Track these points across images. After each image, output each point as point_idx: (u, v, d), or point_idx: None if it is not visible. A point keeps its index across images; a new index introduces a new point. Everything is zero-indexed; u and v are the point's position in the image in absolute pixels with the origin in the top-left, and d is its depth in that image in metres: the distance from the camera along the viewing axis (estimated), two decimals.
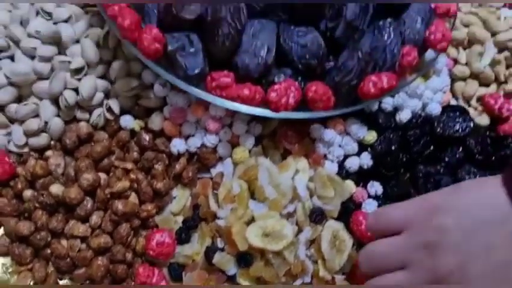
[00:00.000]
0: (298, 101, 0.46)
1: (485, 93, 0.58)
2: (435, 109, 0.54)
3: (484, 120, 0.57)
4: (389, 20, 0.50)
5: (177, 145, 0.51)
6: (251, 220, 0.47)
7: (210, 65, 0.47)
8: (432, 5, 0.53)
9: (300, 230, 0.49)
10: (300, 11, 0.47)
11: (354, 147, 0.52)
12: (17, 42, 0.52)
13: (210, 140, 0.51)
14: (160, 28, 0.45)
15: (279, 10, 0.48)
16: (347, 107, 0.48)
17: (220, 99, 0.46)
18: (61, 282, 0.49)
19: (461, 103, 0.58)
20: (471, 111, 0.57)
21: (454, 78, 0.58)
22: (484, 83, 0.58)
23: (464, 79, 0.58)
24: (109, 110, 0.52)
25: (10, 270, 0.49)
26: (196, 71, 0.45)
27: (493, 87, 0.59)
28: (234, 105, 0.46)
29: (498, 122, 0.57)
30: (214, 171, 0.52)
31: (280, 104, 0.45)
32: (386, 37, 0.49)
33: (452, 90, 0.58)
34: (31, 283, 0.48)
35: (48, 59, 0.51)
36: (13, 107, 0.51)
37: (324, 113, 0.47)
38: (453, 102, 0.58)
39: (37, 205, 0.48)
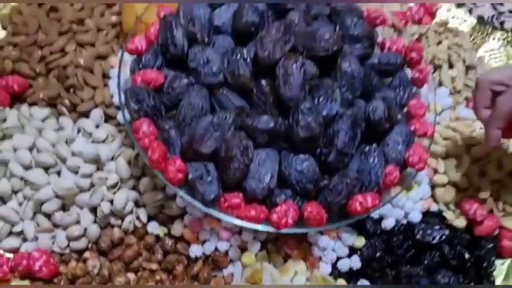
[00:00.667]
0: (296, 220, 0.55)
1: (462, 198, 0.66)
2: (415, 217, 0.63)
3: (461, 223, 0.65)
4: (374, 146, 0.59)
5: (195, 250, 0.60)
6: None
7: (224, 187, 0.56)
8: (412, 128, 0.63)
9: None
10: (298, 141, 0.57)
11: (345, 251, 0.61)
12: (63, 160, 0.62)
13: (223, 246, 0.60)
14: (182, 157, 0.56)
15: (282, 141, 0.57)
16: (337, 222, 0.58)
17: (231, 218, 0.55)
18: None
19: (441, 207, 0.66)
20: (449, 214, 0.66)
21: (434, 185, 0.67)
22: (461, 190, 0.67)
23: (443, 186, 0.67)
24: (138, 217, 0.62)
25: None
26: (212, 197, 0.54)
27: (469, 193, 0.67)
28: (243, 223, 0.55)
29: (474, 224, 0.66)
30: (226, 271, 0.61)
31: (280, 224, 0.54)
32: (371, 161, 0.58)
33: (433, 196, 0.67)
34: None
35: (89, 176, 0.61)
36: (58, 215, 0.61)
37: (317, 229, 0.56)
38: (434, 206, 0.66)
39: None
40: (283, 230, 0.55)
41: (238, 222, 0.55)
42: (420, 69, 0.66)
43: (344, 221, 0.58)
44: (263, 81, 0.58)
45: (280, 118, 0.57)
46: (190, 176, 0.55)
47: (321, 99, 0.58)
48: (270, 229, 0.55)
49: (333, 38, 0.60)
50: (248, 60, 0.58)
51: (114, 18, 0.75)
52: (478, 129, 0.70)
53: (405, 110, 0.65)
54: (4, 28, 0.76)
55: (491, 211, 0.67)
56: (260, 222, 0.55)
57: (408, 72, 0.67)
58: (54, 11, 0.75)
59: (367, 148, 0.59)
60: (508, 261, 0.66)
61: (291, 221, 0.55)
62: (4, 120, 0.67)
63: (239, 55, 0.58)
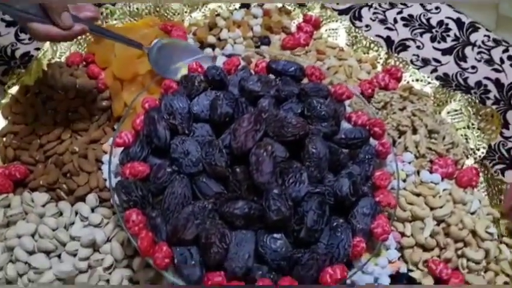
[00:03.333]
0: None
1: (429, 258, 0.72)
2: (384, 281, 0.69)
3: (428, 280, 0.71)
4: (341, 221, 0.66)
5: None
6: None
7: (206, 267, 0.63)
8: (377, 199, 0.69)
9: None
10: (271, 223, 0.63)
11: None
12: (63, 244, 0.69)
13: None
14: (168, 242, 0.62)
15: (257, 222, 0.64)
16: None
17: None
18: None
19: (410, 267, 0.72)
20: (418, 274, 0.72)
21: (402, 247, 0.73)
22: (428, 249, 0.73)
23: (411, 247, 0.73)
24: None
25: None
26: (196, 278, 0.61)
27: (436, 251, 0.73)
28: None
29: (441, 282, 0.72)
30: None
31: None
32: (339, 235, 0.65)
33: (402, 256, 0.73)
34: None
35: (86, 259, 0.68)
36: None
37: None
38: (403, 266, 0.72)
39: None
40: None
41: None
42: (382, 143, 0.73)
43: None
44: (237, 169, 0.65)
45: (254, 203, 0.63)
46: (175, 261, 0.61)
47: (290, 181, 0.64)
48: None
49: (300, 123, 0.67)
50: (223, 151, 0.65)
51: (104, 103, 0.83)
52: (441, 191, 0.76)
53: (371, 181, 0.72)
54: (5, 118, 0.83)
55: (456, 268, 0.73)
56: None
57: (373, 143, 0.74)
58: (50, 99, 0.83)
59: (335, 223, 0.65)
60: None
61: None
62: (8, 205, 0.73)
63: (215, 147, 0.65)
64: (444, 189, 0.76)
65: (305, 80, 0.79)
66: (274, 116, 0.68)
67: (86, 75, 0.86)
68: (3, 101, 0.85)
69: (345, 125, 0.76)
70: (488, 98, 0.91)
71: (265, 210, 0.62)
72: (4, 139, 0.80)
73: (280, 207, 0.62)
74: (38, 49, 0.93)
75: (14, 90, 0.87)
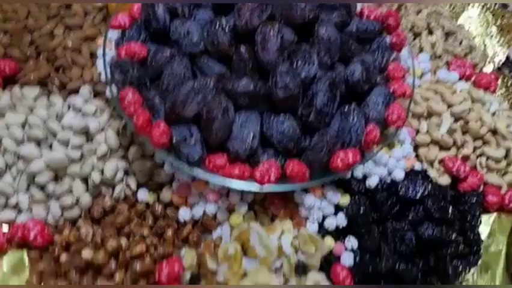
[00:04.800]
0: (278, 177, 0.57)
1: (445, 156, 0.68)
2: (399, 175, 0.64)
3: (445, 180, 0.67)
4: (353, 105, 0.61)
5: (183, 214, 0.62)
6: (244, 275, 0.57)
7: (208, 148, 0.58)
8: (391, 89, 0.64)
9: (286, 282, 0.59)
10: (278, 102, 0.58)
11: (331, 209, 0.63)
12: (54, 134, 0.64)
13: (210, 209, 0.62)
14: (167, 122, 0.57)
15: (262, 102, 0.59)
16: (320, 179, 0.59)
17: (216, 178, 0.57)
18: None
19: (425, 166, 0.68)
20: (434, 172, 0.67)
21: (417, 145, 0.69)
22: (444, 148, 0.68)
23: (426, 145, 0.69)
24: (128, 185, 0.64)
25: None
26: (196, 158, 0.56)
27: (452, 151, 0.68)
28: (228, 182, 0.57)
29: (458, 181, 0.67)
30: (215, 234, 0.62)
31: (263, 181, 0.56)
32: (350, 120, 0.60)
33: (416, 155, 0.69)
34: None
35: (79, 147, 0.63)
36: (51, 187, 0.63)
37: (300, 185, 0.58)
38: (418, 165, 0.68)
39: (71, 267, 0.59)
40: (267, 188, 0.57)
41: (223, 181, 0.57)
42: (397, 34, 0.68)
43: (327, 177, 0.59)
44: (242, 48, 0.60)
45: (260, 81, 0.58)
46: (174, 140, 0.57)
47: (299, 62, 0.60)
48: (254, 188, 0.57)
49: (309, 6, 0.62)
50: (227, 29, 0.60)
51: (100, 3, 0.78)
52: (458, 90, 0.71)
53: (384, 74, 0.67)
54: None
55: (474, 168, 0.68)
56: (244, 180, 0.57)
57: (387, 39, 0.69)
58: None
59: (346, 108, 0.61)
60: (493, 216, 0.68)
61: (273, 178, 0.56)
62: None
63: (218, 25, 0.60)
64: (461, 90, 0.71)
65: None
66: None
67: None
68: None
69: (356, 20, 0.71)
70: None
71: (272, 87, 0.58)
72: None
73: (288, 83, 0.57)
74: None
75: None
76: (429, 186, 0.63)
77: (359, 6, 0.72)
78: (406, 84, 0.65)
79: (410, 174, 0.65)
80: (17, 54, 0.72)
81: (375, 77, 0.64)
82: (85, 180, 0.63)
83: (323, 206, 0.63)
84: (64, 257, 0.60)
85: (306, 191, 0.63)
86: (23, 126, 0.65)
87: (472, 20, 0.82)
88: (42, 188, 0.63)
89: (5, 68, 0.71)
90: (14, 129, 0.64)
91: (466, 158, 0.67)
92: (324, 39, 0.62)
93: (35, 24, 0.74)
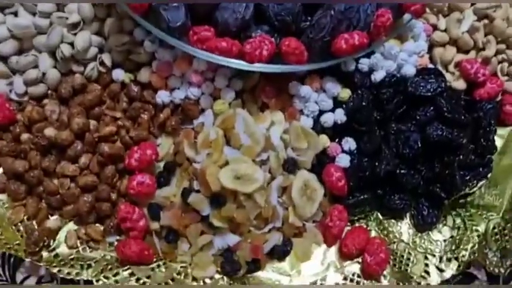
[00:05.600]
0: (271, 53, 0.49)
1: (462, 58, 0.60)
2: (409, 70, 0.56)
3: (460, 84, 0.59)
4: None
5: (162, 96, 0.55)
6: (225, 164, 0.50)
7: (193, 20, 0.50)
8: None
9: (272, 178, 0.52)
10: None
11: (329, 103, 0.55)
12: None
13: (193, 92, 0.54)
14: None
15: None
16: (320, 62, 0.51)
17: (201, 52, 0.49)
18: (51, 218, 0.53)
19: (440, 68, 0.60)
20: (448, 76, 0.59)
21: (433, 44, 0.61)
22: (463, 50, 0.60)
23: (443, 45, 0.60)
24: (102, 63, 0.56)
25: (6, 205, 0.53)
26: (178, 24, 0.48)
27: (471, 54, 0.61)
28: (213, 57, 0.49)
29: (474, 87, 0.59)
30: (196, 123, 0.55)
31: (254, 56, 0.48)
32: None
33: (431, 56, 0.61)
34: (24, 217, 0.52)
35: (47, 15, 0.55)
36: (15, 58, 0.55)
37: (297, 67, 0.50)
38: (431, 65, 0.60)
39: (32, 146, 0.52)
40: (257, 66, 0.49)
41: (207, 56, 0.49)
42: None
43: (328, 61, 0.52)
44: None
45: None
46: (153, 2, 0.49)
47: None
48: (244, 65, 0.50)
49: None
50: None
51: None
52: None
53: None
54: None
55: (494, 73, 0.60)
56: (232, 56, 0.49)
57: None
58: None
59: None
60: (509, 129, 0.61)
61: (266, 53, 0.49)
62: None
63: None
64: None
65: None
66: None
67: None
68: None
69: None
70: None
71: None
72: None
73: None
74: None
75: None
76: (443, 85, 0.55)
77: None
78: None
79: (422, 72, 0.57)
80: None
81: None
82: (54, 54, 0.56)
83: (320, 99, 0.55)
84: (25, 136, 0.54)
85: (302, 82, 0.55)
86: None
87: None
88: (5, 59, 0.56)
89: None
90: None
91: (486, 62, 0.59)
92: None
93: None
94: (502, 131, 0.61)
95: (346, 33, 0.51)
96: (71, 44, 0.55)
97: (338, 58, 0.52)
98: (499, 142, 0.59)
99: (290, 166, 0.53)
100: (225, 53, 0.49)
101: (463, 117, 0.54)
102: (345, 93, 0.55)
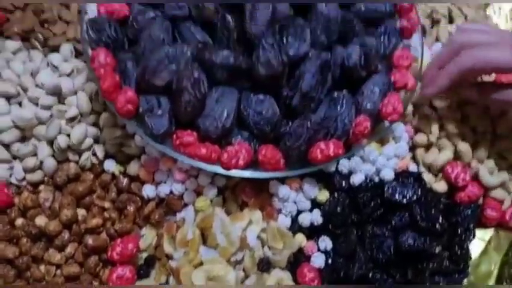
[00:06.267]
0: (248, 162, 0.52)
1: (445, 161, 0.61)
2: (387, 174, 0.58)
3: (441, 187, 0.60)
4: (343, 92, 0.55)
5: (147, 191, 0.58)
6: (200, 264, 0.52)
7: (178, 124, 0.53)
8: (392, 79, 0.58)
9: (246, 276, 0.54)
10: (259, 79, 0.53)
11: (307, 204, 0.57)
12: (25, 91, 0.61)
13: (177, 188, 0.57)
14: (138, 90, 0.53)
15: (243, 79, 0.54)
16: (296, 170, 0.54)
17: (182, 156, 0.52)
18: None
19: (422, 169, 0.61)
20: (430, 177, 0.60)
21: (415, 146, 0.62)
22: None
23: (425, 147, 0.62)
24: (95, 154, 0.60)
25: None
26: (161, 131, 0.52)
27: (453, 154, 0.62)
28: (194, 162, 0.52)
29: (456, 190, 0.60)
30: (179, 216, 0.58)
31: (230, 164, 0.51)
32: (338, 108, 0.54)
33: (413, 157, 0.62)
34: None
35: (48, 107, 0.59)
36: (16, 145, 0.59)
37: (272, 174, 0.53)
38: (413, 167, 0.61)
39: (23, 233, 0.56)
40: (234, 173, 0.52)
41: (188, 160, 0.52)
42: (409, 17, 0.61)
43: (304, 168, 0.54)
44: (228, 15, 0.54)
45: (242, 55, 0.53)
46: (140, 109, 0.52)
47: (289, 38, 0.54)
48: (221, 170, 0.52)
49: None
50: None
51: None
52: None
53: (388, 61, 0.60)
54: None
55: (476, 177, 0.61)
56: (211, 162, 0.52)
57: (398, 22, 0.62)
58: None
59: (336, 94, 0.55)
60: (490, 232, 0.61)
61: (242, 162, 0.51)
62: None
63: None
64: None
65: None
66: None
67: None
68: None
69: None
70: None
71: (254, 62, 0.52)
72: None
73: (271, 59, 0.51)
74: None
75: None
76: (420, 191, 0.56)
77: None
78: (410, 75, 0.58)
79: (401, 175, 0.58)
80: (6, 4, 0.69)
81: (375, 63, 0.57)
82: (52, 143, 0.59)
83: (298, 200, 0.57)
84: (19, 222, 0.57)
85: (282, 181, 0.57)
86: None
87: (501, 12, 0.74)
88: (7, 147, 0.60)
89: None
90: None
91: (466, 165, 0.60)
92: (323, 15, 0.56)
93: None
94: (482, 232, 0.61)
95: (323, 141, 0.53)
96: (68, 136, 0.59)
97: (313, 165, 0.54)
98: (479, 245, 0.60)
99: (265, 265, 0.54)
100: (204, 159, 0.52)
101: (438, 225, 0.55)
102: (322, 196, 0.57)
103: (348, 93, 0.55)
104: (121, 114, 0.52)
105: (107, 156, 0.60)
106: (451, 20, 0.69)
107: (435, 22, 0.69)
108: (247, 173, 0.52)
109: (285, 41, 0.54)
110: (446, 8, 0.69)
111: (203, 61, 0.53)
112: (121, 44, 0.56)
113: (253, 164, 0.53)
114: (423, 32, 0.69)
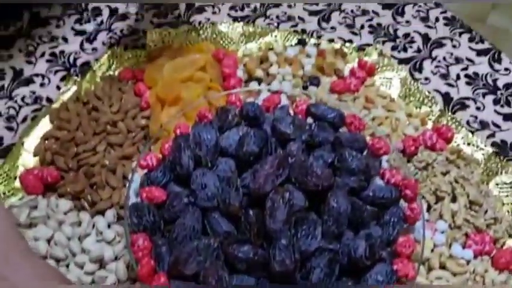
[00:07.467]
0: None
1: None
2: None
3: None
4: (350, 284, 0.62)
5: None
6: None
7: None
8: (395, 267, 0.64)
9: None
10: (274, 274, 0.60)
11: None
12: (73, 255, 0.70)
13: None
14: (169, 274, 0.61)
15: (260, 270, 0.61)
16: None
17: None
18: None
19: None
20: None
21: None
22: None
23: None
24: None
25: None
26: None
27: None
28: None
29: None
30: None
31: None
32: None
33: None
34: None
35: (91, 273, 0.68)
36: None
37: None
38: None
39: None
40: None
41: None
42: (412, 207, 0.68)
43: None
44: (251, 212, 0.63)
45: (260, 249, 0.61)
46: None
47: (303, 233, 0.62)
48: None
49: (325, 174, 0.64)
50: (240, 190, 0.64)
51: (143, 121, 0.84)
52: (468, 274, 0.70)
53: (392, 248, 0.67)
54: (52, 122, 0.87)
55: None
56: None
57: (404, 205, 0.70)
58: (95, 110, 0.85)
59: (343, 286, 0.62)
60: None
61: None
62: (35, 207, 0.76)
63: (232, 185, 0.64)
64: (476, 273, 0.70)
65: (344, 129, 0.76)
66: (301, 162, 0.66)
67: (133, 91, 0.88)
68: (54, 106, 0.89)
69: (378, 181, 0.72)
70: None
71: (270, 259, 0.60)
72: (46, 142, 0.83)
73: (285, 259, 0.59)
74: (97, 60, 0.97)
75: (66, 96, 0.90)
76: None
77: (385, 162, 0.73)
78: (411, 265, 0.65)
79: None
80: (61, 164, 0.80)
81: (379, 253, 0.64)
82: None
83: None
84: None
85: None
86: (49, 241, 0.71)
87: (505, 186, 0.81)
88: None
89: (47, 176, 0.78)
90: (40, 245, 0.70)
91: None
92: (334, 209, 0.64)
93: (83, 138, 0.82)
94: None
95: None
96: None
97: None
98: None
99: None
100: None
101: None
102: None
103: (355, 282, 0.62)
104: None
105: None
106: (454, 198, 0.76)
107: (439, 199, 0.76)
108: None
109: (299, 235, 0.62)
110: (450, 187, 0.76)
111: (226, 253, 0.61)
112: (158, 226, 0.65)
113: None
114: (428, 209, 0.76)
